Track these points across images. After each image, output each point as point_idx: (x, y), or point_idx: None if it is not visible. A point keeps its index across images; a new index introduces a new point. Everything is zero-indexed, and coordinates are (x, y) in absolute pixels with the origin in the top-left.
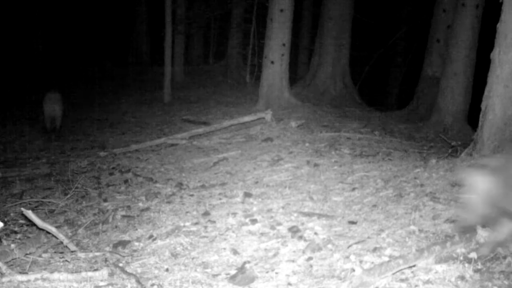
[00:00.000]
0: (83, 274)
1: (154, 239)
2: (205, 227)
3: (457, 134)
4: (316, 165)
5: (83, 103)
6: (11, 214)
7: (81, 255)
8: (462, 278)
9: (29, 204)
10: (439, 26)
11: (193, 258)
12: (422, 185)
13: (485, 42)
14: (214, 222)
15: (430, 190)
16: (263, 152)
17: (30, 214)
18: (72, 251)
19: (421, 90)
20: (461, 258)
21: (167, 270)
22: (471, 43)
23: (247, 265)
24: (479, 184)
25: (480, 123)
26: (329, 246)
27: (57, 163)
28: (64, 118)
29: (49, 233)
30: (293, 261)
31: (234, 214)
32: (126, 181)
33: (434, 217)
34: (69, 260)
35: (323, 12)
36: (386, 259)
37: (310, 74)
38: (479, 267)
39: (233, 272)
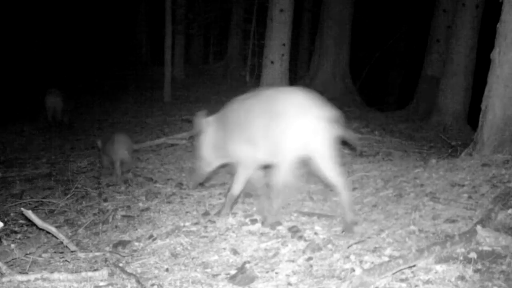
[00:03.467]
0: (83, 274)
1: (154, 239)
2: (205, 227)
3: (457, 134)
4: None
5: (83, 103)
6: (11, 214)
7: (81, 255)
8: (462, 278)
9: (29, 204)
10: (439, 26)
11: (193, 258)
12: (422, 185)
13: (485, 42)
14: (214, 222)
15: (430, 190)
16: None
17: (30, 214)
18: (72, 251)
19: (421, 90)
20: (461, 258)
21: (167, 270)
22: (471, 43)
23: (247, 265)
24: None
25: (480, 123)
26: (329, 246)
27: (57, 163)
28: (67, 112)
29: (49, 233)
30: (293, 261)
31: (234, 214)
32: (126, 181)
33: (434, 217)
34: (69, 260)
35: (323, 12)
36: (386, 259)
37: (310, 74)
38: (479, 267)
39: (233, 272)
